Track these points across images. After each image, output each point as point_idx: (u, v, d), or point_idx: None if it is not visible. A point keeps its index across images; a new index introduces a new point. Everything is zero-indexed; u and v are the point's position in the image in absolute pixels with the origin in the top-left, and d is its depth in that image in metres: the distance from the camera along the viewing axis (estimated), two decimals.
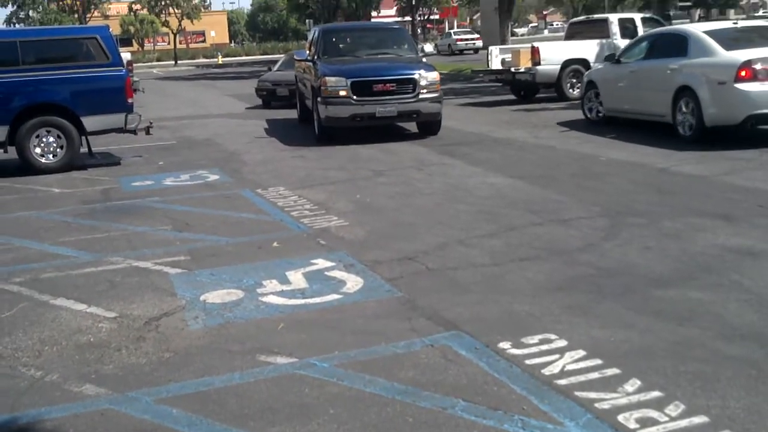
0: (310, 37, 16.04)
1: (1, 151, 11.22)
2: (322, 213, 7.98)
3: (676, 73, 11.25)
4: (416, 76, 12.76)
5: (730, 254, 5.95)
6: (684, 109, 11.05)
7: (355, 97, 12.51)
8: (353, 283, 5.68)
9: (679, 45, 11.50)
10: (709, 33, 11.31)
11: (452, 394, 3.85)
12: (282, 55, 30.88)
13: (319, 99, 12.82)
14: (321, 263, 6.19)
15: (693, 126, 10.88)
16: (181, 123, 17.73)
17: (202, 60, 67.77)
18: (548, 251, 6.24)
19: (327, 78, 12.69)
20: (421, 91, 12.70)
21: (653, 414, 3.56)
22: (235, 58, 67.79)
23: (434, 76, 12.98)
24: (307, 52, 14.57)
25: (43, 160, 11.24)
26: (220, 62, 59.64)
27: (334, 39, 14.78)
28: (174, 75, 43.89)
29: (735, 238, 6.34)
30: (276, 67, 22.14)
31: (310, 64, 14.19)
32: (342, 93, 12.53)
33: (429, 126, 13.55)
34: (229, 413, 3.77)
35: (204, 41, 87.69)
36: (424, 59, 14.68)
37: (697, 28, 11.96)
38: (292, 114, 17.89)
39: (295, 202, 8.55)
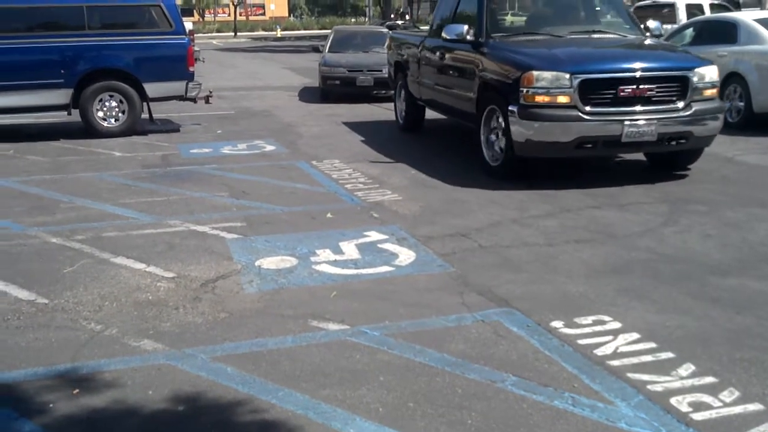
0: (449, 6, 10.37)
1: (65, 113, 11.48)
2: (375, 187, 8.01)
3: (724, 60, 11.30)
4: (689, 74, 7.78)
5: None
6: (732, 95, 11.22)
7: (587, 107, 7.49)
8: (405, 256, 5.70)
9: (728, 32, 11.61)
10: (760, 21, 11.43)
11: (502, 369, 3.85)
12: (328, 31, 25.50)
13: (512, 109, 7.69)
14: (374, 236, 6.23)
15: (741, 111, 11.07)
16: (239, 94, 17.90)
17: (261, 32, 68.12)
18: (605, 234, 6.18)
19: (534, 73, 7.54)
20: (694, 98, 7.76)
21: (707, 399, 3.52)
22: (293, 31, 68.03)
23: (713, 73, 7.98)
24: (467, 28, 8.88)
25: (105, 123, 11.47)
26: (279, 35, 59.95)
27: (507, 7, 9.73)
28: (233, 46, 44.24)
29: None
30: (328, 46, 17.36)
31: (466, 48, 8.98)
32: (561, 99, 7.48)
33: (685, 157, 8.47)
34: (281, 374, 3.84)
35: (263, 14, 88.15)
36: (651, 42, 8.98)
37: (747, 16, 11.93)
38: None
39: (349, 175, 8.60)
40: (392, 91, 13.93)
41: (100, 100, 11.39)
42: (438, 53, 10.05)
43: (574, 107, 7.47)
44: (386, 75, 14.35)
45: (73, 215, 7.03)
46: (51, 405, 3.59)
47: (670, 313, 4.54)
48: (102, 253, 5.86)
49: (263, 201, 7.46)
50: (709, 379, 3.71)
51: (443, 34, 9.32)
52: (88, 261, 5.69)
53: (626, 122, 7.47)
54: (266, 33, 66.50)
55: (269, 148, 10.58)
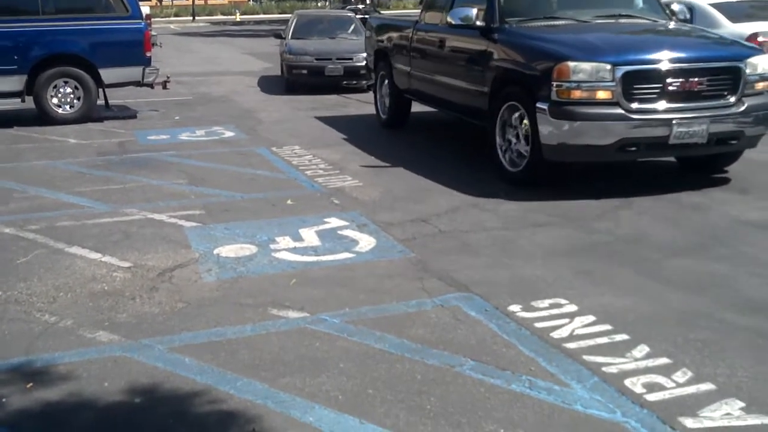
0: None
1: (19, 100, 11.24)
2: (336, 173, 7.98)
3: None
4: (740, 64, 6.83)
5: (744, 227, 5.93)
6: None
7: (633, 104, 6.52)
8: (366, 242, 5.70)
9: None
10: (715, 5, 11.51)
11: (461, 353, 3.88)
12: (288, 15, 22.67)
13: (541, 106, 6.67)
14: (334, 222, 6.21)
15: None
16: (197, 79, 17.67)
17: (219, 17, 67.33)
18: (563, 218, 6.23)
19: (570, 64, 6.50)
20: (746, 92, 6.82)
21: (660, 380, 3.58)
22: (252, 16, 67.35)
23: (766, 63, 7.02)
24: (476, 12, 7.77)
25: (59, 110, 11.25)
26: (238, 19, 59.33)
27: None
28: (191, 31, 43.58)
29: (752, 212, 6.31)
30: (291, 31, 15.73)
31: (474, 35, 7.87)
32: (601, 95, 6.50)
33: (725, 159, 7.53)
34: (240, 363, 3.82)
35: None
36: (687, 27, 8.16)
37: (703, 1, 12.04)
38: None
39: (309, 161, 8.55)
40: (364, 82, 13.57)
41: (55, 87, 11.16)
42: (435, 40, 8.93)
43: (617, 104, 6.47)
44: (357, 63, 13.89)
45: (26, 204, 6.90)
46: (4, 399, 3.53)
47: (626, 296, 4.60)
48: (56, 243, 5.76)
49: (222, 188, 7.39)
50: (663, 360, 3.77)
51: (448, 19, 8.27)
52: (42, 251, 5.59)
53: (674, 121, 6.49)
54: (225, 17, 65.74)
55: (228, 134, 10.47)
